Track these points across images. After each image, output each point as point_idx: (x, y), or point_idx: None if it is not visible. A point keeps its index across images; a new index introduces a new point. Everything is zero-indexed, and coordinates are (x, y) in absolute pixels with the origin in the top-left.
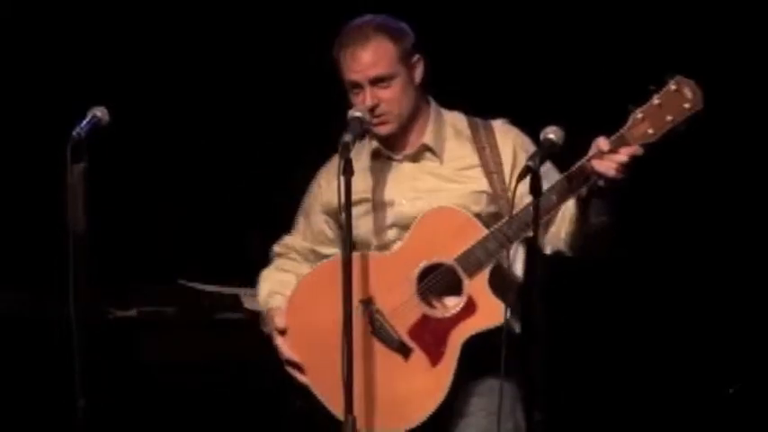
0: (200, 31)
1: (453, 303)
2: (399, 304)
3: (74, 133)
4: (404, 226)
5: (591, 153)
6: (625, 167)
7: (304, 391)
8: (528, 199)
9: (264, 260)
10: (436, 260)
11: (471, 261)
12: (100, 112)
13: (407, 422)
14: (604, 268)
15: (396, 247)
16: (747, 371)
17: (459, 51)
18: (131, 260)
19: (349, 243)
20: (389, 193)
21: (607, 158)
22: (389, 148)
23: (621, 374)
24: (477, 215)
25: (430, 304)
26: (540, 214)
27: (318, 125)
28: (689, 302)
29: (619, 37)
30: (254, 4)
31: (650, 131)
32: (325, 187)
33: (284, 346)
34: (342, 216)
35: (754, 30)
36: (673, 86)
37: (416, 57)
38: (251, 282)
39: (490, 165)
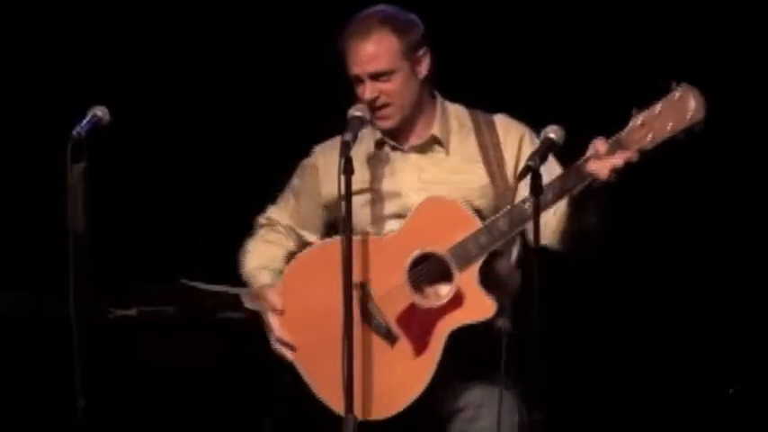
0: (200, 31)
1: (444, 293)
2: (390, 290)
3: (74, 133)
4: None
5: (588, 154)
6: (619, 171)
7: (292, 370)
8: (524, 193)
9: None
10: (430, 250)
11: (463, 253)
12: (100, 112)
13: (389, 409)
14: (604, 268)
15: (391, 233)
16: (747, 371)
17: (461, 50)
18: (131, 260)
19: (349, 243)
20: (394, 183)
21: (603, 160)
22: (394, 139)
23: (621, 374)
24: (479, 209)
25: (422, 292)
26: (538, 212)
27: (320, 123)
28: (689, 302)
29: (619, 36)
30: (253, 3)
31: (648, 138)
32: (324, 177)
33: (278, 325)
34: (342, 215)
35: (755, 30)
36: (677, 94)
37: (422, 50)
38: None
39: (492, 160)
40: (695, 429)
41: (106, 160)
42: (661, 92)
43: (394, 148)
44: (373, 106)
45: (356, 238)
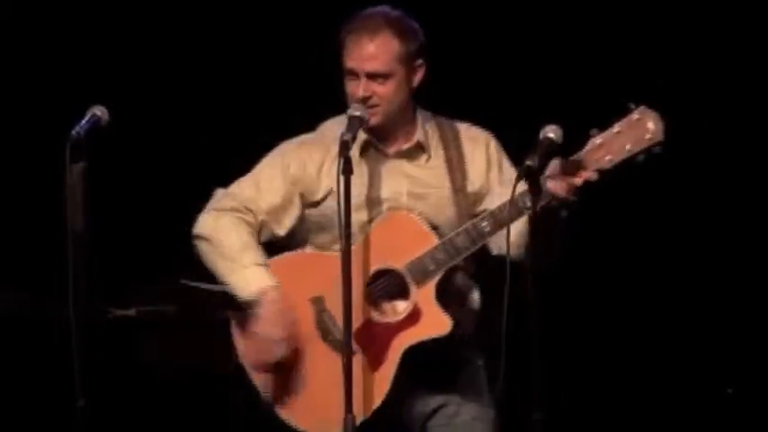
0: (199, 31)
1: (401, 309)
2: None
3: (73, 132)
4: None
5: (547, 173)
6: (577, 190)
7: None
8: (488, 206)
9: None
10: (388, 265)
11: (420, 269)
12: (99, 112)
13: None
14: (604, 268)
15: (353, 248)
16: (747, 371)
17: (457, 49)
18: (131, 260)
19: (349, 243)
20: (380, 189)
21: (561, 179)
22: (381, 142)
23: (621, 374)
24: (444, 222)
25: (380, 308)
26: (503, 224)
27: (320, 122)
28: (689, 302)
29: (616, 36)
30: (253, 3)
31: (607, 158)
32: (303, 174)
33: (283, 346)
34: (341, 215)
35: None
36: (636, 116)
37: (419, 61)
38: None
39: (456, 172)
40: (695, 429)
41: (105, 160)
42: (620, 111)
43: (380, 152)
44: (364, 104)
45: (315, 252)
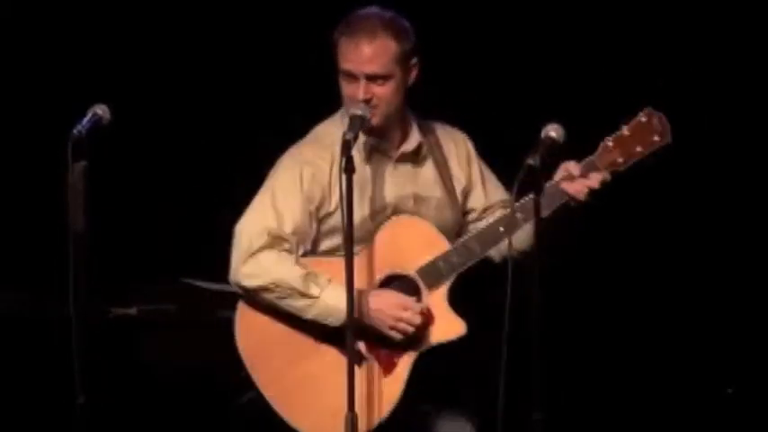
0: (200, 30)
1: None
2: None
3: (74, 131)
4: None
5: (559, 176)
6: (594, 192)
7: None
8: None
9: None
10: (399, 270)
11: (433, 273)
12: (101, 110)
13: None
14: (604, 268)
15: (360, 253)
16: (747, 371)
17: (455, 49)
18: (131, 259)
19: (350, 243)
20: (386, 194)
21: (578, 182)
22: (384, 144)
23: (621, 374)
24: (445, 226)
25: None
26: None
27: (319, 122)
28: (689, 302)
29: (616, 36)
30: (253, 3)
31: (619, 160)
32: (316, 188)
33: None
34: (343, 214)
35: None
36: (643, 118)
37: (414, 60)
38: None
39: (445, 175)
40: (695, 429)
41: (107, 159)
42: (628, 115)
43: (382, 153)
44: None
45: (323, 259)
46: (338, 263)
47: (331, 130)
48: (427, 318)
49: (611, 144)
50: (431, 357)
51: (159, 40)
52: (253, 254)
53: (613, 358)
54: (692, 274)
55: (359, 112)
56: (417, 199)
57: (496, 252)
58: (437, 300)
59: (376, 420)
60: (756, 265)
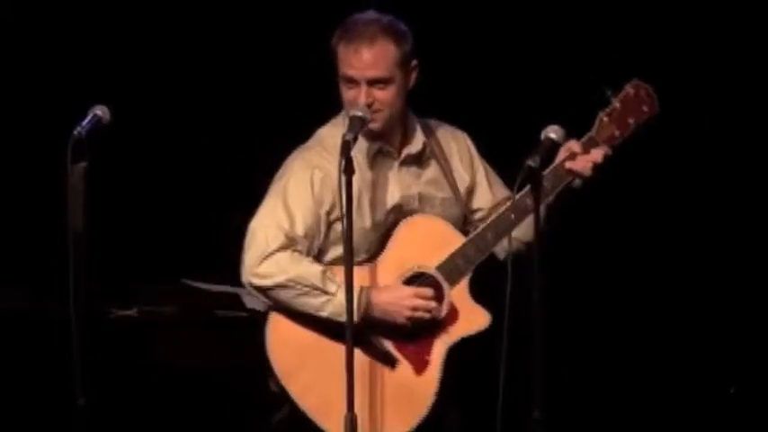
0: (200, 30)
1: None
2: None
3: (75, 132)
4: None
5: (562, 156)
6: (598, 167)
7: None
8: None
9: None
10: (417, 269)
11: (452, 269)
12: (101, 111)
13: (396, 430)
14: (605, 268)
15: (379, 258)
16: (749, 370)
17: (454, 49)
18: (131, 259)
19: (350, 243)
20: (392, 196)
21: (581, 159)
22: (389, 147)
23: (622, 374)
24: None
25: None
26: (528, 212)
27: (320, 122)
28: (690, 301)
29: (616, 36)
30: (253, 3)
31: (616, 133)
32: (326, 192)
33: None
34: (343, 215)
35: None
36: (630, 90)
37: (414, 63)
38: None
39: (447, 172)
40: (695, 429)
41: (107, 160)
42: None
43: (387, 156)
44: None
45: (333, 267)
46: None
47: (334, 133)
48: (452, 312)
49: (606, 119)
50: (460, 350)
51: (159, 41)
52: (269, 254)
53: (614, 358)
54: (693, 273)
55: (359, 114)
56: (422, 199)
57: (501, 249)
58: (460, 293)
59: (416, 420)
60: (758, 265)
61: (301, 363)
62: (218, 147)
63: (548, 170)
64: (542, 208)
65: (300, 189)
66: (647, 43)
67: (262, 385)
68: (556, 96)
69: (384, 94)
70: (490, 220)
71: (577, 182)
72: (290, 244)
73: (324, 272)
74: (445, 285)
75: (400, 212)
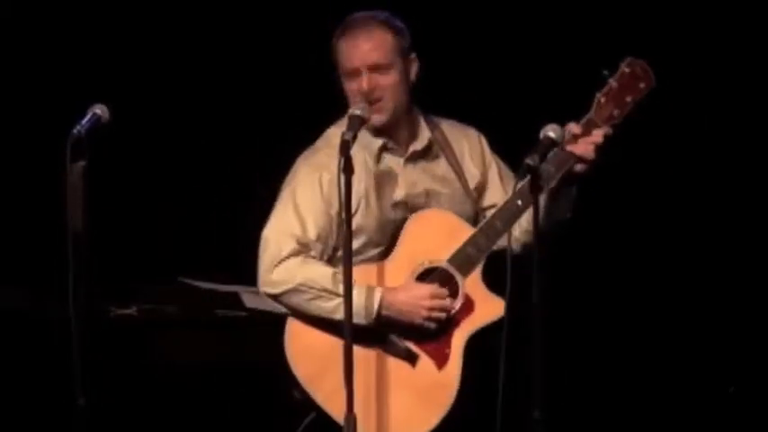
0: (200, 30)
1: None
2: None
3: (74, 131)
4: None
5: (565, 138)
6: (600, 148)
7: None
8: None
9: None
10: (429, 264)
11: (463, 259)
12: (100, 110)
13: (425, 426)
14: (605, 267)
15: (391, 255)
16: (749, 370)
17: (455, 49)
18: (131, 259)
19: (349, 242)
20: (398, 191)
21: (582, 142)
22: (394, 143)
23: (622, 374)
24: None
25: None
26: (537, 210)
27: (320, 122)
28: (690, 301)
29: (615, 36)
30: (253, 3)
31: (615, 113)
32: (335, 193)
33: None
34: (342, 215)
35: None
36: (626, 69)
37: (413, 56)
38: (250, 280)
39: (457, 168)
40: (695, 429)
41: (106, 159)
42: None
43: (393, 152)
44: (368, 99)
45: (355, 267)
46: (363, 268)
47: (340, 133)
48: (468, 303)
49: (603, 99)
50: (478, 340)
51: (159, 41)
52: (281, 261)
53: (614, 357)
54: (693, 272)
55: (358, 112)
56: (429, 194)
57: (515, 241)
58: (473, 284)
59: (442, 413)
60: (758, 264)
61: (324, 368)
62: (218, 146)
63: (550, 153)
64: (546, 198)
65: (309, 193)
66: (647, 43)
67: (284, 393)
68: (555, 96)
69: (386, 80)
70: (497, 208)
71: (579, 166)
72: (302, 250)
73: (335, 274)
74: (459, 277)
75: (407, 208)
